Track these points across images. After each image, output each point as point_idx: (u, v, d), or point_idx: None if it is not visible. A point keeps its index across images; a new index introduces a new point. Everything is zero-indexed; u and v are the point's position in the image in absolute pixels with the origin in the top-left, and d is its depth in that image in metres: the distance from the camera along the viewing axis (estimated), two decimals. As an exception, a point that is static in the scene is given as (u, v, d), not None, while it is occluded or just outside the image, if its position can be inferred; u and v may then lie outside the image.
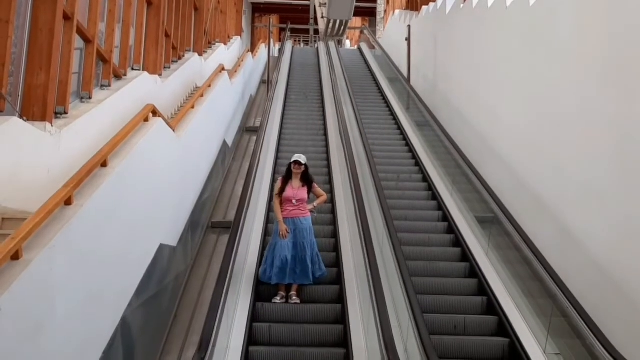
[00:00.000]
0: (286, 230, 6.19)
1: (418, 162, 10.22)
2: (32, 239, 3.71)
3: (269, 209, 8.20)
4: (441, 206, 8.49)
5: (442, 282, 6.59)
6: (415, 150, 10.69)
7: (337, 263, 6.86)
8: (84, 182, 4.57)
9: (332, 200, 8.54)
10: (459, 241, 7.49)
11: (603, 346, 4.67)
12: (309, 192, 6.45)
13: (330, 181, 9.24)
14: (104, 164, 5.02)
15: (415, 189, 9.34)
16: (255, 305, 6.01)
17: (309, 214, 6.39)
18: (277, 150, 10.52)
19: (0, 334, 3.17)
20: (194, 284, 7.28)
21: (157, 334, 6.07)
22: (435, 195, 8.89)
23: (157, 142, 6.51)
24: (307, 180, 6.44)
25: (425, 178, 9.57)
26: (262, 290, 6.35)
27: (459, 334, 5.78)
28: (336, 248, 7.26)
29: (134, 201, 5.60)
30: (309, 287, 6.32)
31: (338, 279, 6.54)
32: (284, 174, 6.58)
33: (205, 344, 4.34)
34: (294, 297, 6.15)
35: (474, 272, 6.77)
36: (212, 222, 8.70)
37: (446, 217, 8.13)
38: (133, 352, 5.25)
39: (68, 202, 4.24)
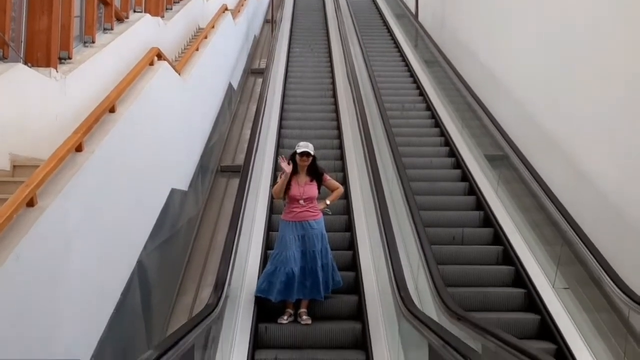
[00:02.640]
0: (285, 158, 5.11)
1: (426, 99, 10.18)
2: (45, 186, 3.73)
3: (277, 152, 8.22)
4: (448, 141, 8.57)
5: (442, 200, 7.02)
6: (423, 87, 10.60)
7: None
8: (93, 129, 4.56)
9: (339, 137, 8.70)
10: (458, 162, 7.94)
11: (612, 280, 4.71)
12: (319, 187, 5.22)
13: (337, 118, 9.38)
14: (112, 110, 4.99)
15: (422, 126, 9.37)
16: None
17: (320, 215, 5.18)
18: (284, 92, 10.46)
19: (20, 279, 3.23)
20: (206, 228, 7.37)
21: (172, 276, 6.20)
22: (442, 130, 8.99)
23: (163, 86, 6.45)
24: (315, 173, 5.20)
25: (434, 115, 9.58)
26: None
27: (457, 243, 6.24)
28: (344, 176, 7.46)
29: (144, 146, 5.60)
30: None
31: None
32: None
33: (220, 284, 4.44)
34: (304, 317, 5.04)
35: (473, 190, 7.19)
36: (221, 166, 8.73)
37: (458, 161, 8.21)
38: (150, 294, 5.38)
39: (79, 148, 4.24)
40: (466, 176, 7.58)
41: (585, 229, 5.39)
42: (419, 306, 4.35)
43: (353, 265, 5.78)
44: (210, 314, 3.90)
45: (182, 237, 6.66)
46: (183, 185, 6.77)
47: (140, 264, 5.09)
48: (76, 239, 3.92)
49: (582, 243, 5.16)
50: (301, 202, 5.09)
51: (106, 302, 4.39)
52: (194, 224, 7.20)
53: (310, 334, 4.91)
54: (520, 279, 5.72)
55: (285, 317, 5.01)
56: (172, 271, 6.24)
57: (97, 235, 4.26)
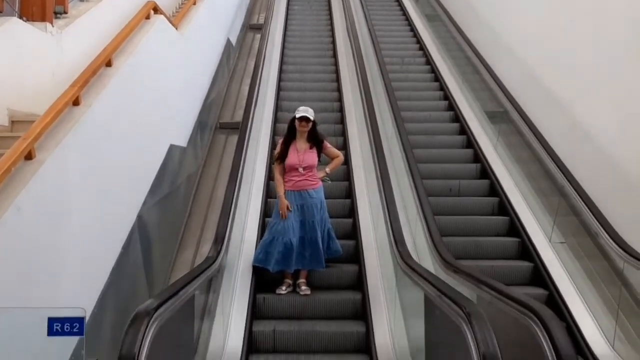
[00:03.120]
0: (288, 207, 4.87)
1: (426, 54, 10.13)
2: (43, 140, 3.73)
3: (276, 108, 8.19)
4: (447, 96, 8.57)
5: (440, 153, 7.19)
6: (423, 42, 10.51)
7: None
8: (90, 83, 4.52)
9: (338, 89, 8.70)
10: (457, 116, 8.02)
11: (608, 234, 4.76)
12: (319, 154, 5.06)
13: (336, 71, 9.37)
14: (108, 64, 4.94)
15: (422, 80, 9.37)
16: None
17: (319, 184, 5.04)
18: (283, 48, 10.36)
19: (20, 232, 3.27)
20: (206, 184, 7.39)
21: (172, 231, 6.25)
22: (441, 84, 8.96)
23: (160, 41, 6.37)
24: (316, 139, 5.03)
25: (433, 69, 9.53)
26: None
27: (453, 195, 6.42)
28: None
29: (141, 101, 5.57)
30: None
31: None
32: (285, 134, 5.14)
33: (220, 237, 4.49)
34: (303, 287, 4.97)
35: (470, 143, 7.34)
36: (220, 122, 8.69)
37: (457, 115, 8.19)
38: (151, 249, 5.43)
39: (76, 102, 4.22)
40: (464, 130, 7.64)
41: (583, 184, 5.43)
42: (416, 260, 4.42)
43: (353, 233, 5.74)
44: (210, 266, 3.96)
45: (182, 193, 6.69)
46: (182, 141, 6.76)
47: (140, 219, 5.13)
48: (76, 192, 3.94)
49: (578, 196, 5.20)
50: (300, 170, 4.92)
51: (107, 254, 4.44)
52: (194, 180, 7.22)
53: (309, 304, 4.86)
54: (515, 228, 5.86)
55: (284, 288, 4.93)
56: (173, 227, 6.29)
57: (96, 188, 4.28)
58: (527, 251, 5.55)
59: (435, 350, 3.12)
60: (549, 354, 2.25)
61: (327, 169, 5.09)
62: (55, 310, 2.64)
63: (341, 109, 8.23)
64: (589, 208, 5.07)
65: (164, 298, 2.77)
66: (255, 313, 4.78)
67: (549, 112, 6.64)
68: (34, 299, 3.29)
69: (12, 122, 5.23)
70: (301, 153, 4.95)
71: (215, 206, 6.68)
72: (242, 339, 4.37)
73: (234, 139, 7.28)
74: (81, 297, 3.79)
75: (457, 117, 7.99)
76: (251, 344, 4.48)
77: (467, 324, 2.43)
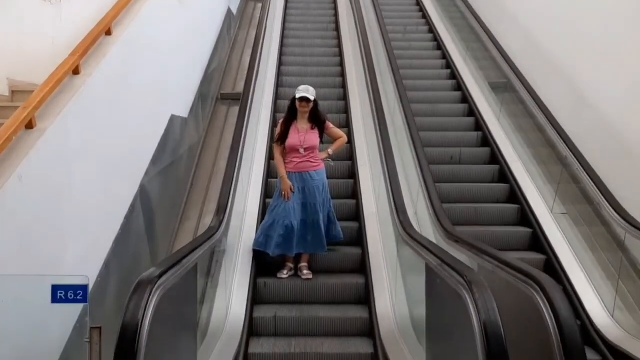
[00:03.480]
0: (291, 188, 4.78)
1: (428, 22, 10.07)
2: (43, 108, 3.71)
3: (277, 82, 8.14)
4: (449, 64, 8.54)
5: (442, 121, 7.22)
6: (425, 10, 10.42)
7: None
8: (89, 51, 4.48)
9: (340, 64, 8.61)
10: (459, 84, 8.03)
11: (609, 203, 4.76)
12: (321, 135, 4.94)
13: (339, 42, 9.30)
14: (108, 32, 4.89)
15: (424, 48, 9.32)
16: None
17: (321, 165, 4.92)
18: (284, 17, 10.24)
19: (22, 201, 3.27)
20: (208, 155, 7.39)
21: (175, 202, 6.27)
22: (444, 52, 8.92)
23: (160, 9, 6.29)
24: (317, 119, 4.90)
25: (436, 37, 9.48)
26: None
27: (454, 162, 6.51)
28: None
29: (142, 70, 5.52)
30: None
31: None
32: (285, 113, 5.01)
33: (222, 207, 4.50)
34: (305, 271, 4.89)
35: (472, 111, 7.36)
36: (221, 93, 8.64)
37: (459, 83, 8.13)
38: (153, 218, 5.45)
39: (76, 71, 4.18)
40: (466, 98, 7.66)
41: (585, 152, 5.42)
42: (418, 230, 4.43)
43: (356, 215, 5.67)
44: (212, 236, 3.97)
45: (184, 163, 6.69)
46: (183, 111, 6.73)
47: (142, 189, 5.14)
48: (77, 161, 3.93)
49: (580, 166, 5.19)
50: (301, 151, 4.79)
51: (110, 223, 4.46)
52: (195, 151, 7.22)
53: (311, 288, 4.79)
54: (515, 195, 5.93)
55: (285, 272, 4.85)
56: (175, 197, 6.31)
57: (98, 157, 4.28)
58: (526, 217, 5.63)
59: (437, 319, 3.14)
60: (549, 321, 2.26)
61: (330, 150, 4.97)
62: (59, 277, 2.67)
63: (342, 71, 8.25)
64: (590, 177, 5.07)
65: (166, 266, 2.77)
66: (255, 298, 4.73)
67: (551, 81, 6.60)
68: (38, 268, 3.31)
69: (13, 92, 5.21)
70: (302, 133, 4.81)
71: (217, 177, 6.68)
72: (245, 297, 4.47)
73: (235, 110, 7.25)
74: (85, 265, 3.81)
75: (460, 86, 7.98)
76: (255, 297, 4.65)
77: (468, 292, 2.43)
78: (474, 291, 2.39)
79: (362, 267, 5.09)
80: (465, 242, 3.74)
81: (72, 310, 3.22)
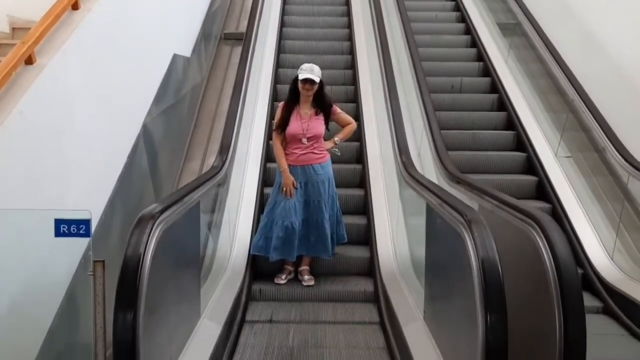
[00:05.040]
0: (293, 184, 4.19)
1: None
2: (43, 44, 3.66)
3: (282, 22, 7.98)
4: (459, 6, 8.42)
5: (444, 52, 7.36)
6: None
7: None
8: (88, -14, 4.38)
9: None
10: (462, 16, 8.10)
11: (615, 148, 4.73)
12: (326, 122, 4.30)
13: None
14: (107, -33, 4.76)
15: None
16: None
17: (327, 157, 4.32)
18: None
19: (24, 137, 3.27)
20: (211, 95, 7.33)
21: (178, 142, 6.27)
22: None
23: (161, -56, 6.12)
24: (322, 104, 4.26)
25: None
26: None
27: (455, 92, 6.71)
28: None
29: (142, 7, 5.42)
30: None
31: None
32: (287, 96, 4.34)
33: (225, 147, 4.50)
34: (306, 276, 4.38)
35: (475, 42, 7.55)
36: (224, 33, 8.50)
37: (463, 15, 8.12)
38: (157, 158, 5.46)
39: (75, 6, 4.10)
40: (469, 30, 7.77)
41: (593, 98, 5.34)
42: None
43: (364, 209, 5.21)
44: (215, 175, 3.98)
45: (187, 104, 6.64)
46: (186, 51, 6.64)
47: (145, 128, 5.12)
48: (79, 98, 3.91)
49: (587, 110, 5.13)
50: (304, 141, 4.17)
51: (113, 162, 4.47)
52: (199, 91, 7.16)
53: (312, 296, 4.28)
54: (512, 122, 6.13)
55: (284, 277, 4.35)
56: (179, 137, 6.30)
57: (99, 95, 4.25)
58: (521, 142, 5.87)
59: (436, 258, 3.18)
60: (546, 258, 2.28)
61: (337, 139, 4.34)
62: (62, 212, 2.69)
63: (348, 10, 8.13)
64: (598, 122, 5.01)
65: (169, 202, 2.79)
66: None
67: (562, 25, 6.45)
68: (41, 203, 3.34)
69: (13, 29, 5.14)
70: (305, 120, 4.18)
71: (220, 119, 6.65)
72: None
73: (239, 50, 7.14)
74: (89, 202, 3.84)
75: (464, 18, 8.03)
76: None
77: (467, 231, 2.45)
78: (473, 230, 2.41)
79: (364, 209, 5.14)
80: (466, 183, 3.74)
81: (78, 246, 3.27)
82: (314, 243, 4.28)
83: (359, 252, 4.72)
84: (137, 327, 2.22)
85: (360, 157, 5.70)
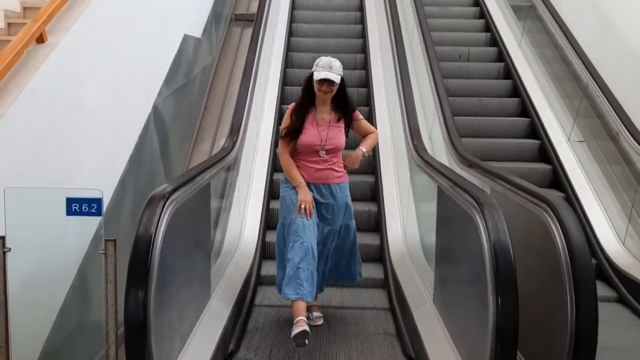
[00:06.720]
0: (312, 204, 3.29)
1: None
2: (54, 23, 3.65)
3: (293, 4, 7.91)
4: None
5: (452, 23, 7.65)
6: None
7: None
8: (99, -35, 4.35)
9: None
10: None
11: (630, 133, 4.67)
12: (347, 130, 3.43)
13: None
14: (117, -54, 4.73)
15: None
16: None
17: (346, 176, 3.47)
18: None
19: (36, 114, 3.27)
20: (221, 77, 7.31)
21: (189, 123, 6.26)
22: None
23: None
24: (344, 107, 3.38)
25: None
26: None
27: (462, 60, 6.93)
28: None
29: (154, -13, 5.39)
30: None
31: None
32: (299, 97, 3.43)
33: (235, 129, 4.49)
34: (316, 313, 3.61)
35: (483, 14, 7.78)
36: (235, 14, 8.45)
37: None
38: (167, 139, 5.47)
39: (86, -15, 4.08)
40: (478, 1, 7.95)
41: (609, 84, 5.27)
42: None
43: (374, 196, 5.08)
44: (226, 156, 3.98)
45: (198, 85, 6.63)
46: (196, 32, 6.61)
47: (156, 109, 5.12)
48: (90, 77, 3.90)
49: (602, 95, 5.07)
50: (322, 154, 3.30)
51: (124, 141, 4.48)
52: (209, 73, 7.14)
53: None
54: (517, 90, 6.26)
55: (299, 330, 3.00)
56: (189, 119, 6.29)
57: (111, 73, 4.24)
58: (525, 109, 6.02)
59: (447, 241, 3.16)
60: (559, 241, 2.25)
61: (364, 149, 3.45)
62: (74, 190, 2.70)
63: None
64: (613, 108, 4.95)
65: (180, 182, 2.79)
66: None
67: (577, 7, 6.36)
68: (52, 182, 3.35)
69: (24, 9, 5.12)
70: (323, 128, 3.31)
71: (231, 100, 6.63)
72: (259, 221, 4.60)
73: (249, 31, 7.10)
74: (100, 181, 3.85)
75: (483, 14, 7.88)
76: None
77: (479, 214, 2.42)
78: (485, 213, 2.38)
79: (375, 196, 5.12)
80: (478, 166, 3.71)
81: (90, 225, 3.28)
82: (338, 269, 3.60)
83: (368, 239, 4.69)
84: (148, 305, 2.22)
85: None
